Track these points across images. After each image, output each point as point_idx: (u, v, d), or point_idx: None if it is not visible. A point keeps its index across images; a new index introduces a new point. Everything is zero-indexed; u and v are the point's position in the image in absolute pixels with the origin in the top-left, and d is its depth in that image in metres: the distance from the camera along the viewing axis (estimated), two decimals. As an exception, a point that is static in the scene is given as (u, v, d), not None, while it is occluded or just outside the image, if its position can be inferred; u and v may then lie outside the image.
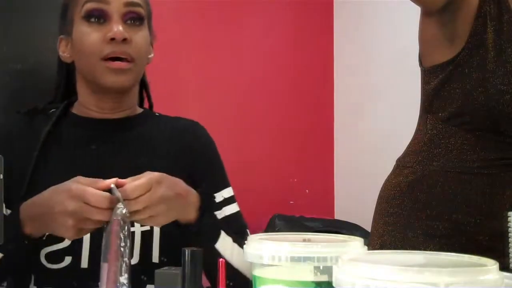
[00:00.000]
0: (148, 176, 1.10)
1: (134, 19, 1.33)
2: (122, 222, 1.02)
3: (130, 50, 1.31)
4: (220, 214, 1.36)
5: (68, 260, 1.25)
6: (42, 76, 1.90)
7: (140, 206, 1.08)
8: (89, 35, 1.31)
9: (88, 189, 1.06)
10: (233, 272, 1.22)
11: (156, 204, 1.09)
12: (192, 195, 1.21)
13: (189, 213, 1.19)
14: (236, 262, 1.23)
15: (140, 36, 1.34)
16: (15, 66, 1.67)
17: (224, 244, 1.24)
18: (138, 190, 1.08)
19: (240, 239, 1.27)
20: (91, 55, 1.31)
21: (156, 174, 1.12)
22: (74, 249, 1.24)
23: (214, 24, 3.20)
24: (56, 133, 1.35)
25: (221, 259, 0.88)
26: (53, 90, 1.45)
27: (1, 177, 0.93)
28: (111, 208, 1.04)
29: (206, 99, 3.09)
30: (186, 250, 0.92)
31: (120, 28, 1.30)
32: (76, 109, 1.41)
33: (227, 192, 1.40)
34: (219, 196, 1.38)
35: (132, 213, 1.07)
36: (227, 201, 1.38)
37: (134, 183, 1.08)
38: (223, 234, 1.25)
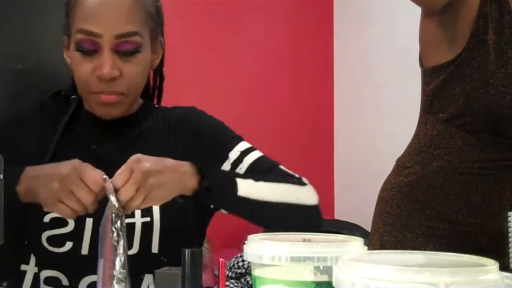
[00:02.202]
0: (127, 162, 1.10)
1: (127, 49, 1.26)
2: (114, 216, 1.03)
3: (120, 87, 1.27)
4: (244, 165, 1.32)
5: (69, 245, 1.25)
6: (42, 76, 1.90)
7: (131, 190, 1.07)
8: (80, 66, 1.27)
9: (87, 167, 1.09)
10: (270, 208, 1.22)
11: (144, 180, 1.09)
12: (184, 165, 1.18)
13: (188, 181, 1.17)
14: (269, 196, 1.22)
15: (133, 68, 1.27)
16: (15, 66, 1.67)
17: (247, 189, 1.22)
18: (122, 176, 1.08)
19: (263, 175, 1.26)
20: (81, 86, 1.29)
21: (133, 156, 1.11)
22: (76, 235, 1.24)
23: (214, 25, 3.20)
24: (68, 126, 1.35)
25: (221, 259, 0.88)
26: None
27: (1, 177, 0.93)
28: (98, 198, 1.07)
29: (206, 99, 3.08)
30: (186, 250, 0.92)
31: (108, 66, 1.23)
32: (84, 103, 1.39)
33: (242, 146, 1.36)
34: (236, 152, 1.34)
35: (128, 202, 1.07)
36: (245, 153, 1.34)
37: (116, 173, 1.08)
38: (239, 180, 1.22)
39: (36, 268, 1.28)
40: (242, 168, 1.32)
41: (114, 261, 1.00)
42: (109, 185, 1.07)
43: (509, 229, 1.17)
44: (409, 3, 1.57)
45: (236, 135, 1.39)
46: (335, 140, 3.70)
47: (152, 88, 1.46)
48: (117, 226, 1.02)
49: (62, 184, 1.08)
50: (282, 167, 1.36)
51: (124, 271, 1.00)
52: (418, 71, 1.69)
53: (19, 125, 1.35)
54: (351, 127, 3.62)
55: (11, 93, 1.67)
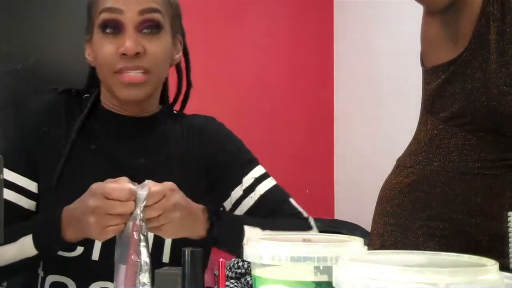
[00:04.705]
0: (163, 184, 1.11)
1: (150, 27, 1.28)
2: (141, 223, 1.04)
3: (144, 63, 1.27)
4: (255, 195, 1.35)
5: (80, 250, 1.25)
6: (42, 76, 1.90)
7: (155, 213, 1.09)
8: (103, 48, 1.27)
9: (107, 184, 1.08)
10: None
11: (171, 211, 1.10)
12: (199, 209, 1.20)
13: (198, 229, 1.19)
14: None
15: (156, 45, 1.29)
16: (15, 66, 1.67)
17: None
18: (154, 197, 1.08)
19: (271, 221, 1.28)
20: (104, 67, 1.28)
21: (170, 183, 1.13)
22: (87, 240, 1.23)
23: (214, 24, 3.20)
24: (83, 124, 1.33)
25: (221, 259, 0.88)
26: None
27: (1, 177, 0.93)
28: (133, 200, 1.06)
29: (205, 99, 3.08)
30: (186, 250, 0.92)
31: (132, 42, 1.25)
32: (103, 100, 1.38)
33: (257, 172, 1.38)
34: (249, 178, 1.36)
35: (147, 220, 1.08)
36: (259, 180, 1.37)
37: (150, 190, 1.08)
38: (247, 229, 1.24)
39: (42, 272, 1.28)
40: (253, 197, 1.35)
41: (139, 267, 1.00)
42: (141, 192, 1.07)
43: (509, 229, 1.17)
44: (410, 2, 1.57)
45: (252, 157, 1.41)
46: (335, 140, 3.70)
47: (177, 93, 1.46)
48: (143, 233, 1.03)
49: (97, 215, 1.08)
50: (291, 201, 1.39)
51: (149, 275, 1.00)
52: (419, 70, 1.69)
53: (30, 134, 1.32)
54: (351, 127, 3.62)
55: (11, 93, 1.67)
